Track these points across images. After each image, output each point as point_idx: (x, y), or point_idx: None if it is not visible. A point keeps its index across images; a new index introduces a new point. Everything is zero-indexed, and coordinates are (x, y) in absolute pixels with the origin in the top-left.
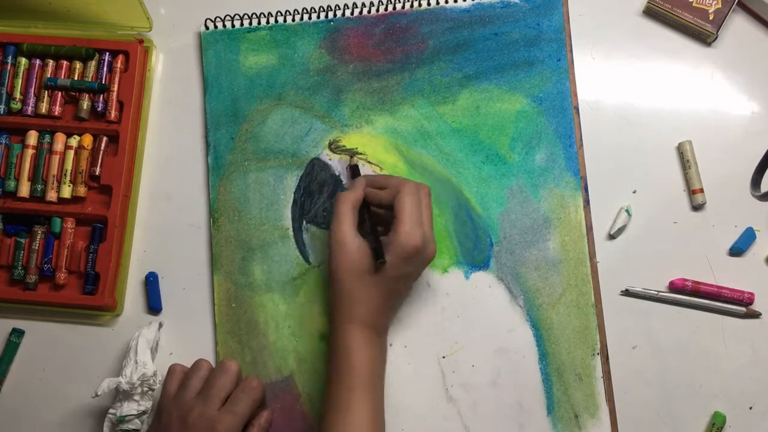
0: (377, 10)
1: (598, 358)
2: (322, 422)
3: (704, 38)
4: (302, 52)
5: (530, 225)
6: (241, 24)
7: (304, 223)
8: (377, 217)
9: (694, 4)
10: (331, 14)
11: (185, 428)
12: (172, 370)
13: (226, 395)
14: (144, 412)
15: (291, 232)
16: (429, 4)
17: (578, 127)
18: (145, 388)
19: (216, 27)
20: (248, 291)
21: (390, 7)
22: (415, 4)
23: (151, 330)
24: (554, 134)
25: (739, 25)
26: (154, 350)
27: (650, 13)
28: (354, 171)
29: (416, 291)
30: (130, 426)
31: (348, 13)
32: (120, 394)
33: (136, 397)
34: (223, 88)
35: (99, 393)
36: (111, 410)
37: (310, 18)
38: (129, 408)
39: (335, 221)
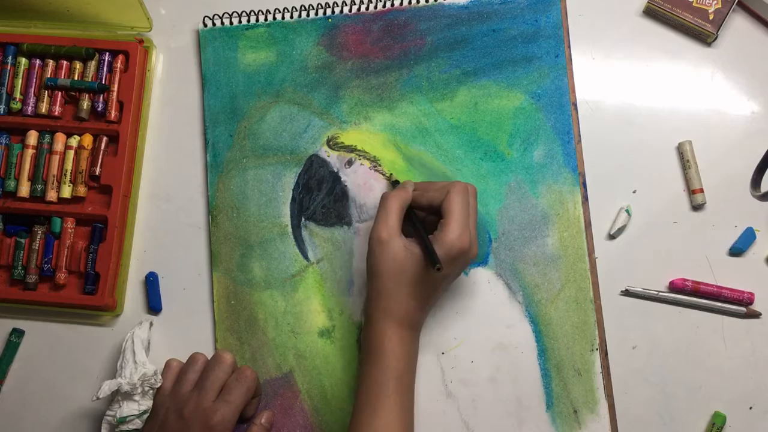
0: (375, 7)
1: (597, 354)
2: (353, 420)
3: (704, 38)
4: (300, 49)
5: (529, 221)
6: (240, 21)
7: (303, 220)
8: (423, 222)
9: (694, 4)
10: (329, 11)
11: (182, 422)
12: (168, 365)
13: (220, 386)
14: (145, 412)
15: (290, 229)
16: (427, 0)
17: (576, 123)
18: (146, 388)
19: (214, 24)
20: (247, 288)
21: (388, 4)
22: (413, 0)
23: (143, 329)
24: (552, 130)
25: (739, 25)
26: (147, 349)
27: (650, 13)
28: (395, 184)
29: None
30: (131, 426)
31: (346, 10)
32: (119, 395)
33: (136, 398)
34: (221, 86)
35: (100, 396)
36: (109, 412)
37: (308, 15)
38: (130, 408)
39: (381, 219)
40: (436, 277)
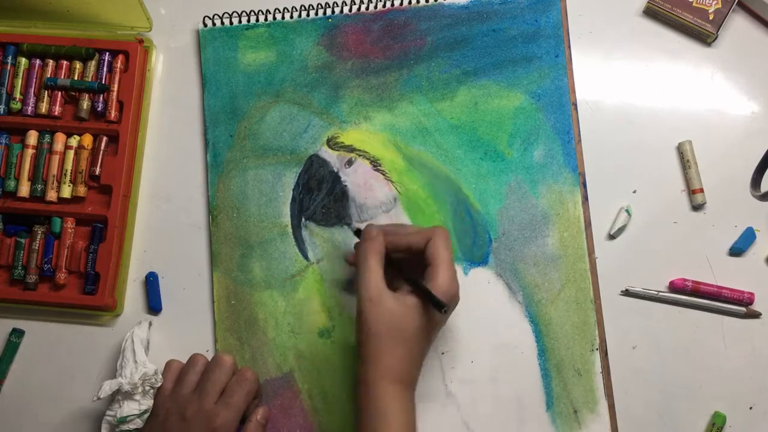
0: (375, 7)
1: (597, 354)
2: None
3: (704, 38)
4: (300, 49)
5: (529, 221)
6: (240, 21)
7: (303, 219)
8: (399, 265)
9: (694, 4)
10: (329, 11)
11: (184, 423)
12: (168, 366)
13: (221, 388)
14: (146, 411)
15: (290, 229)
16: (427, 0)
17: (576, 123)
18: (147, 387)
19: (214, 24)
20: (247, 288)
21: (388, 4)
22: (413, 0)
23: (143, 329)
24: (552, 130)
25: (739, 25)
26: (146, 349)
27: (650, 13)
28: (358, 233)
29: None
30: (132, 426)
31: (346, 10)
32: (119, 395)
33: (137, 397)
34: (221, 86)
35: (101, 396)
36: (109, 411)
37: (308, 15)
38: (130, 408)
39: (366, 277)
40: (433, 324)
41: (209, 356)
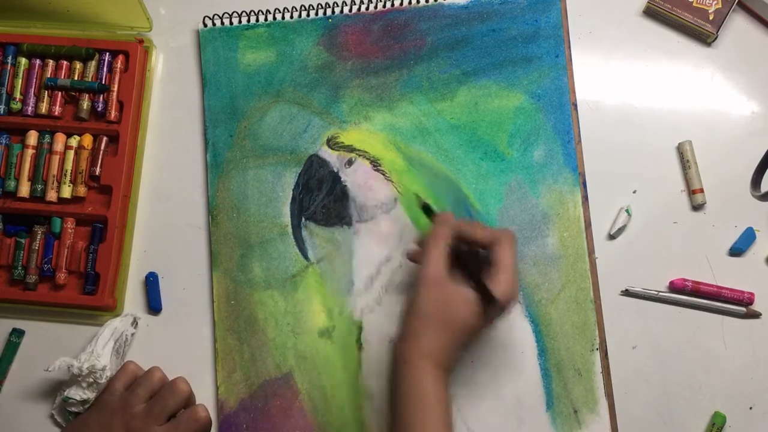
0: (375, 7)
1: (597, 354)
2: None
3: (704, 38)
4: (300, 49)
5: (529, 221)
6: (240, 21)
7: (303, 219)
8: (466, 258)
9: (694, 4)
10: (329, 11)
11: None
12: (125, 367)
13: (170, 415)
14: (86, 401)
15: (290, 229)
16: (427, 0)
17: (576, 123)
18: (91, 380)
19: (214, 24)
20: (247, 288)
21: (388, 4)
22: (413, 0)
23: (124, 322)
24: (552, 130)
25: (739, 25)
26: (124, 344)
27: (650, 13)
28: (427, 208)
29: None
30: (72, 409)
31: (346, 10)
32: (73, 376)
33: (84, 385)
34: (221, 86)
35: (50, 369)
36: (63, 387)
37: (308, 15)
38: (75, 392)
39: (428, 257)
40: (482, 323)
41: (208, 357)
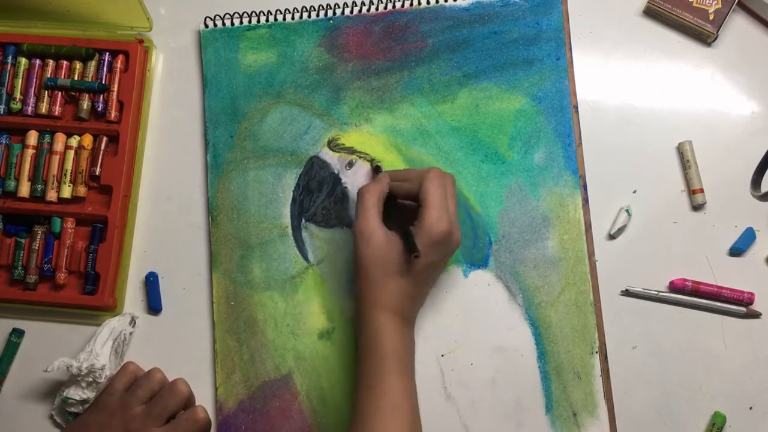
0: (377, 9)
1: (597, 357)
2: (355, 404)
3: (704, 38)
4: (301, 51)
5: (529, 223)
6: (241, 22)
7: (303, 221)
8: (403, 211)
9: (694, 4)
10: (330, 12)
11: None
12: (125, 368)
13: (170, 416)
14: (85, 401)
15: (290, 231)
16: (428, 2)
17: (577, 126)
18: (90, 379)
19: (215, 25)
20: (247, 289)
21: (389, 6)
22: (415, 2)
23: (122, 321)
24: (553, 133)
25: (739, 25)
26: (122, 343)
27: (650, 13)
28: (377, 171)
29: None
30: (72, 409)
31: (347, 11)
32: (72, 376)
33: (83, 384)
34: (222, 86)
35: (49, 369)
36: (63, 387)
37: (309, 16)
38: (74, 392)
39: (360, 213)
40: (421, 266)
41: (207, 357)
